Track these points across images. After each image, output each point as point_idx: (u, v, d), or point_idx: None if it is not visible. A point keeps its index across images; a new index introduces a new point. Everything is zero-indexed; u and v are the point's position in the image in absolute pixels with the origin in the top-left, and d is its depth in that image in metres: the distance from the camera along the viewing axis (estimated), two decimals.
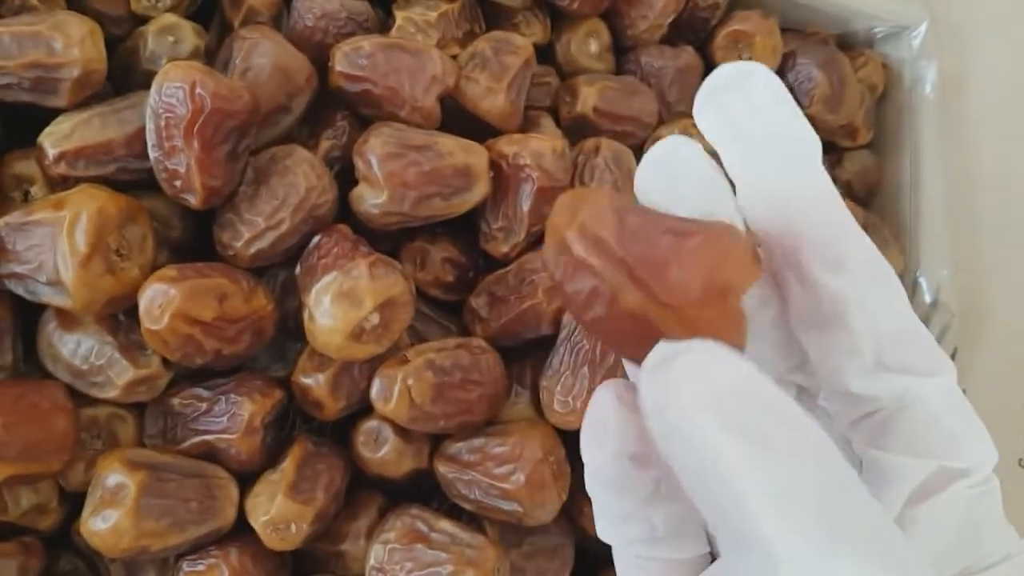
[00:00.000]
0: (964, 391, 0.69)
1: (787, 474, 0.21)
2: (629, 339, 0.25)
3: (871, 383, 0.27)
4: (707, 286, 0.24)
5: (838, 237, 0.27)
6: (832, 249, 0.27)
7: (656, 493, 0.28)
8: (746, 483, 0.21)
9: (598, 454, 0.28)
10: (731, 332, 0.25)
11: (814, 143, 0.28)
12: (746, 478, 0.21)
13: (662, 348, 0.23)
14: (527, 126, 0.57)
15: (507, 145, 0.52)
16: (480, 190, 0.50)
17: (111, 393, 0.46)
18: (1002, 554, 0.27)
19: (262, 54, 0.50)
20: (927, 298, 0.68)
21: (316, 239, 0.48)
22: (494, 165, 0.51)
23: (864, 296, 0.27)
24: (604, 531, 0.31)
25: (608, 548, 0.55)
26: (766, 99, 0.28)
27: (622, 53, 0.65)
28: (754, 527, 0.21)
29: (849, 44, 0.73)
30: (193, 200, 0.46)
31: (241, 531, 0.47)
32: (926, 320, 0.68)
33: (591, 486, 0.30)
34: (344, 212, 0.51)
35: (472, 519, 0.52)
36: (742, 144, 0.27)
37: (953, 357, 0.69)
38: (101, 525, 0.43)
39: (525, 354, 0.53)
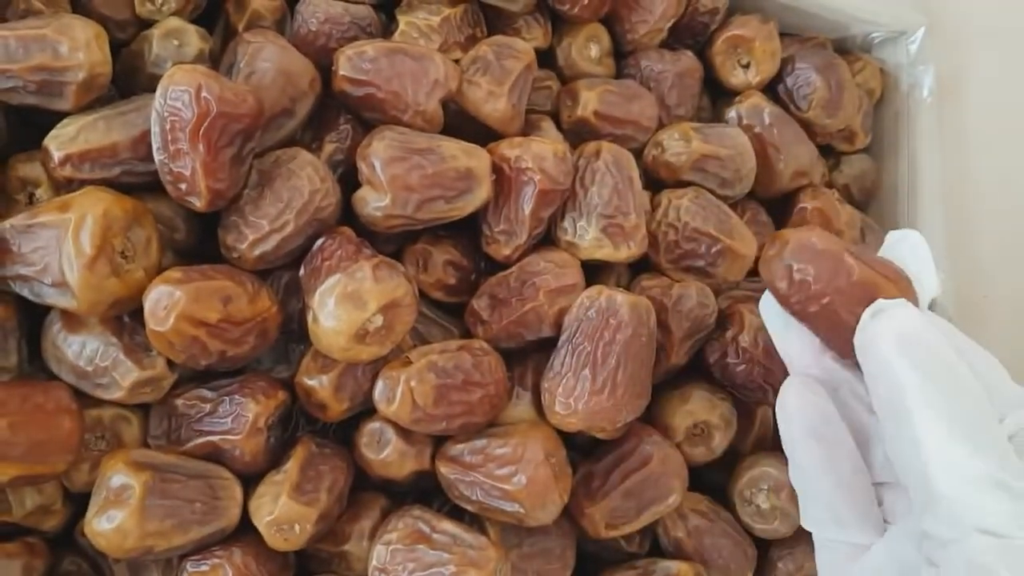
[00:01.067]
0: None
1: (942, 399, 0.33)
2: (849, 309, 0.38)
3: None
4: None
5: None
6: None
7: (842, 482, 0.39)
8: (914, 398, 0.34)
9: (787, 430, 0.41)
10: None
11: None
12: (913, 395, 0.34)
13: (878, 303, 0.36)
14: (528, 130, 0.58)
15: (509, 148, 0.52)
16: (482, 193, 0.51)
17: (116, 394, 0.46)
18: None
19: (266, 58, 0.50)
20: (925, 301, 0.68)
21: (320, 242, 0.49)
22: (496, 168, 0.52)
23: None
24: (803, 516, 0.41)
25: (608, 550, 0.56)
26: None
27: (622, 57, 0.65)
28: (920, 434, 0.33)
29: (847, 49, 0.73)
30: (198, 203, 0.46)
31: (245, 532, 0.48)
32: None
33: (792, 472, 0.41)
34: (347, 215, 0.51)
35: (474, 520, 0.52)
36: None
37: None
38: (106, 525, 0.44)
39: (527, 356, 0.54)
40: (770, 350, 0.56)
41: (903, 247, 0.41)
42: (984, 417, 0.34)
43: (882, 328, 0.36)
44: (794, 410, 0.40)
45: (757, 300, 0.59)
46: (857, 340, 0.37)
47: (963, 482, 0.32)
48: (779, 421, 0.41)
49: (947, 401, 0.34)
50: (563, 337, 0.51)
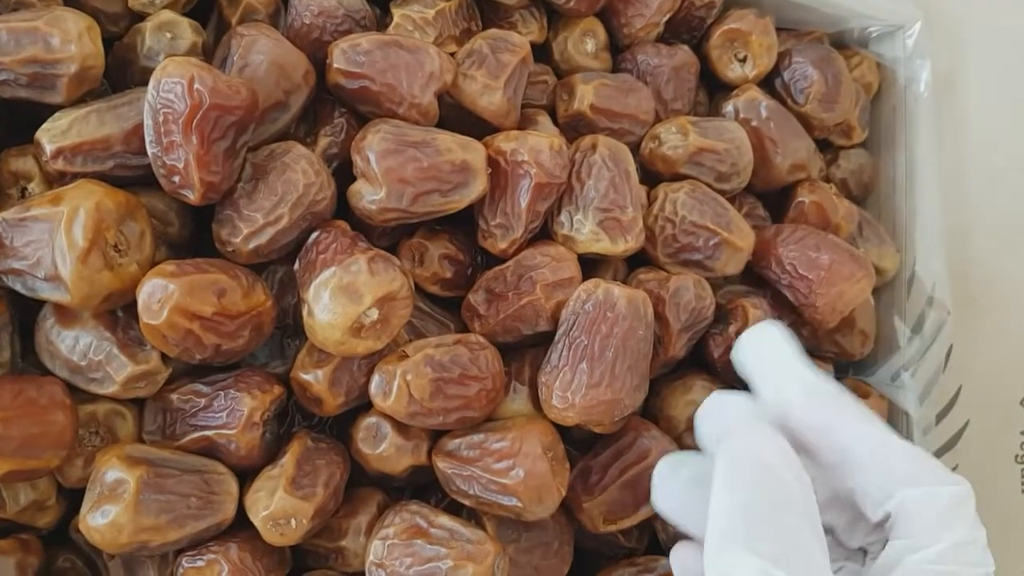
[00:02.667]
0: (960, 388, 0.69)
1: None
2: None
3: (878, 511, 0.38)
4: None
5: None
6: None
7: None
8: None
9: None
10: None
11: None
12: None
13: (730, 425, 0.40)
14: (524, 124, 0.57)
15: (505, 142, 0.52)
16: (478, 186, 0.50)
17: (110, 389, 0.46)
18: None
19: (260, 51, 0.50)
20: (923, 295, 0.68)
21: (315, 235, 0.48)
22: (492, 162, 0.52)
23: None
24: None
25: (606, 545, 0.55)
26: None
27: (618, 52, 0.65)
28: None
29: (844, 43, 0.73)
30: (191, 196, 0.46)
31: (241, 527, 0.47)
32: (921, 317, 0.68)
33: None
34: (343, 209, 0.51)
35: (472, 515, 0.52)
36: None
37: (948, 354, 0.69)
38: (100, 520, 0.43)
39: (524, 350, 0.53)
40: None
41: (762, 347, 0.42)
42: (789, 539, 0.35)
43: (721, 450, 0.38)
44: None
45: (758, 294, 0.59)
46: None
47: None
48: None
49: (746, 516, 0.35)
50: (560, 331, 0.51)
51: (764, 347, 0.42)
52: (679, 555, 0.43)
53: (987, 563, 0.36)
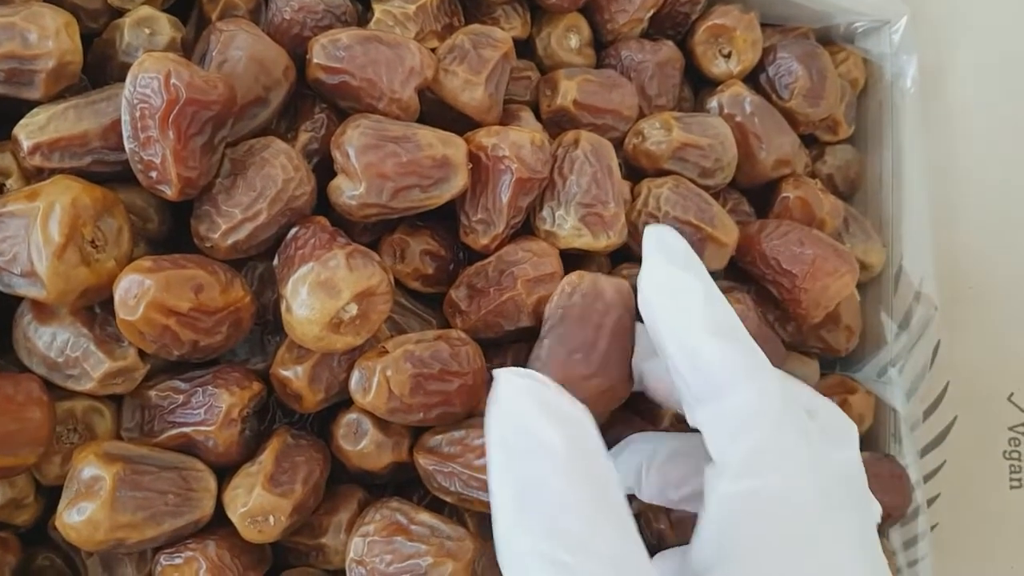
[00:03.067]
0: (948, 384, 0.69)
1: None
2: None
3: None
4: None
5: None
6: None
7: None
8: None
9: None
10: None
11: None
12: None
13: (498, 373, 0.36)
14: (507, 119, 0.57)
15: (486, 137, 0.52)
16: (459, 182, 0.50)
17: (87, 385, 0.46)
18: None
19: (239, 46, 0.50)
20: (910, 291, 0.68)
21: (294, 231, 0.48)
22: (473, 157, 0.51)
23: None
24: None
25: None
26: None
27: (602, 47, 0.65)
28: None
29: (830, 39, 0.73)
30: (169, 191, 0.46)
31: (220, 524, 0.47)
32: (908, 313, 0.68)
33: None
34: (323, 205, 0.51)
35: (453, 512, 0.51)
36: None
37: (935, 350, 0.69)
38: (76, 518, 0.43)
39: (506, 346, 0.53)
40: (757, 339, 0.55)
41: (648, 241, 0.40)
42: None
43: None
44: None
45: (741, 289, 0.59)
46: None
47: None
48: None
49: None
50: (546, 327, 0.51)
51: (651, 240, 0.40)
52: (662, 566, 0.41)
53: (784, 467, 0.34)
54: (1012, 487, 0.70)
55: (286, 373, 0.48)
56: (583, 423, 0.35)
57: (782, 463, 0.34)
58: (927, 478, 0.69)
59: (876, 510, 0.38)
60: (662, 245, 0.39)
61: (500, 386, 0.35)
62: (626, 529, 0.33)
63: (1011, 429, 0.71)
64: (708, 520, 0.35)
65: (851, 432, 0.38)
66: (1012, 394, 0.71)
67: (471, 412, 0.51)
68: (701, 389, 0.36)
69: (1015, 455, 0.70)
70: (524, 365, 0.51)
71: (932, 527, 0.67)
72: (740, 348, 0.36)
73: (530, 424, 0.34)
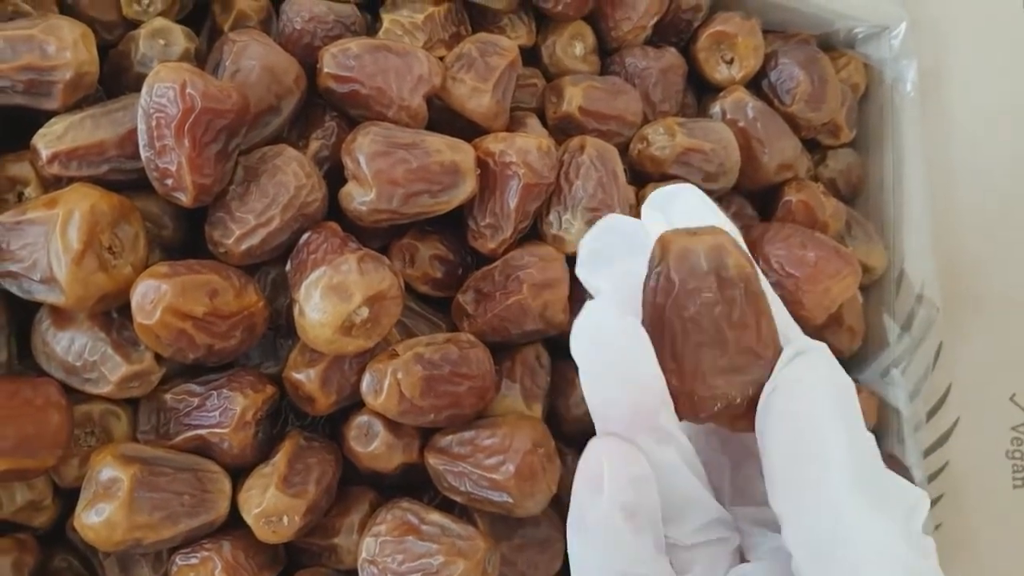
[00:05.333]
0: (950, 385, 0.70)
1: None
2: None
3: None
4: None
5: None
6: None
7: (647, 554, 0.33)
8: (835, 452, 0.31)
9: (595, 500, 0.32)
10: None
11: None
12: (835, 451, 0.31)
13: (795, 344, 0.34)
14: (513, 126, 0.58)
15: (494, 143, 0.53)
16: (467, 187, 0.51)
17: (104, 389, 0.47)
18: None
19: (251, 56, 0.51)
20: (911, 293, 0.69)
21: (306, 236, 0.49)
22: (481, 163, 0.52)
23: None
24: None
25: None
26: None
27: (607, 55, 0.66)
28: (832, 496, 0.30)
29: (830, 45, 0.74)
30: (184, 198, 0.47)
31: (234, 525, 0.48)
32: (911, 315, 0.69)
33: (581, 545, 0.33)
34: (334, 211, 0.52)
35: (464, 512, 0.52)
36: None
37: (938, 352, 0.70)
38: (94, 518, 0.44)
39: (514, 348, 0.54)
40: None
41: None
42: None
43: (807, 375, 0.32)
44: (608, 481, 0.32)
45: None
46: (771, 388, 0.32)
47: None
48: (579, 482, 0.33)
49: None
50: None
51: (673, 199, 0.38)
52: (612, 453, 0.33)
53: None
54: (1016, 487, 0.70)
55: (298, 376, 0.49)
56: None
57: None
58: (931, 479, 0.69)
59: None
60: None
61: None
62: None
63: (1014, 429, 0.71)
64: None
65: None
66: (1014, 394, 0.71)
67: (480, 413, 0.51)
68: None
69: (1018, 455, 0.71)
70: (530, 369, 0.52)
71: (936, 527, 0.68)
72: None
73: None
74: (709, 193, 0.59)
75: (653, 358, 0.32)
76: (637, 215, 0.56)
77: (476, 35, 0.58)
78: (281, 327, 0.52)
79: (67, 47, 0.47)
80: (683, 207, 0.38)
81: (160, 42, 0.52)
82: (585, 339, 0.33)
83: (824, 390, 0.32)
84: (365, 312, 0.46)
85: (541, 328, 0.53)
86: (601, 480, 0.32)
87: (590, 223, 0.53)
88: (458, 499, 0.50)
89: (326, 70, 0.52)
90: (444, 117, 0.56)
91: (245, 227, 0.48)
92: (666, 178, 0.60)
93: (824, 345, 0.34)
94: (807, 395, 0.31)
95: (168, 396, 0.49)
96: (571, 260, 0.53)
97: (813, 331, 0.64)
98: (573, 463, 0.54)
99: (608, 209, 0.53)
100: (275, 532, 0.47)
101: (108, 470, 0.45)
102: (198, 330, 0.45)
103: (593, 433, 0.51)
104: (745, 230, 0.60)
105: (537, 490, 0.49)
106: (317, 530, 0.50)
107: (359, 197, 0.50)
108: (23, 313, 0.49)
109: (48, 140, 0.47)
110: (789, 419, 0.32)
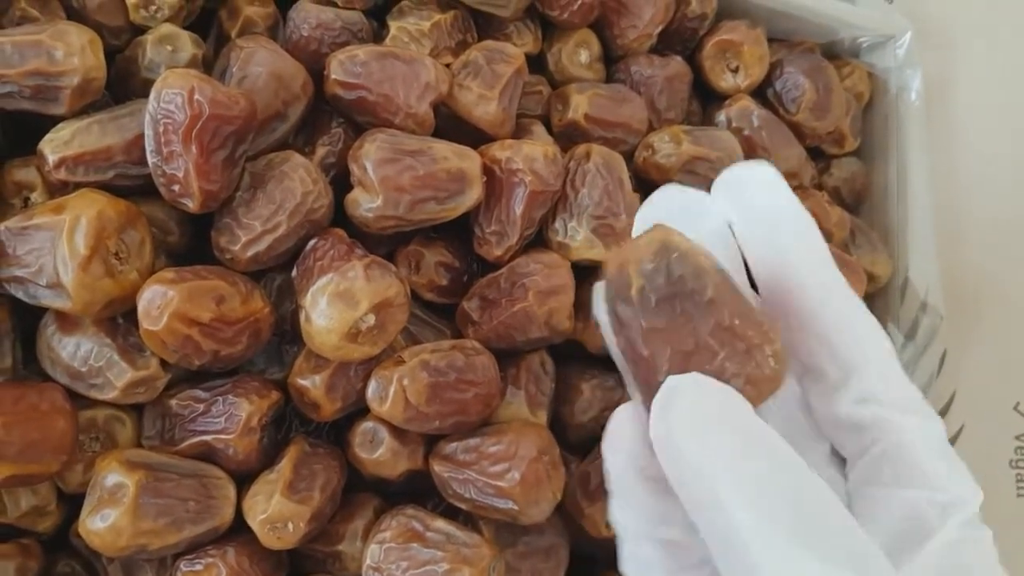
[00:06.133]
0: (954, 393, 0.70)
1: (761, 487, 0.26)
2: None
3: (856, 410, 0.31)
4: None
5: (820, 290, 0.32)
6: (815, 300, 0.32)
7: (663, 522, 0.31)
8: (725, 494, 0.26)
9: (614, 460, 0.32)
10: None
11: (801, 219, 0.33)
12: (725, 490, 0.26)
13: (669, 380, 0.28)
14: (519, 133, 0.58)
15: (500, 150, 0.53)
16: (473, 194, 0.51)
17: (110, 394, 0.47)
18: None
19: (258, 63, 0.51)
20: (916, 301, 0.69)
21: (312, 242, 0.49)
22: (487, 170, 0.52)
23: (846, 338, 0.31)
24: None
25: (605, 550, 0.56)
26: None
27: (612, 62, 0.66)
28: (737, 533, 0.26)
29: (835, 54, 0.74)
30: (191, 204, 0.47)
31: (239, 531, 0.48)
32: (915, 323, 0.69)
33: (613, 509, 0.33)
34: (340, 218, 0.52)
35: (468, 519, 0.52)
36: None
37: (942, 360, 0.70)
38: (99, 524, 0.44)
39: (520, 355, 0.54)
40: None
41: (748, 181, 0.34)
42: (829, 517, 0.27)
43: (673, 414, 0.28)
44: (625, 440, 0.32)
45: None
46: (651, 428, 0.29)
47: None
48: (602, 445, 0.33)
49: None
50: None
51: (754, 186, 0.34)
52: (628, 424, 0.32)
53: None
54: (1019, 495, 0.70)
55: (304, 382, 0.49)
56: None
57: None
58: None
59: None
60: None
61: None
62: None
63: (1017, 438, 0.71)
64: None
65: None
66: (1018, 403, 0.71)
67: (486, 420, 0.51)
68: (895, 392, 0.31)
69: (1022, 464, 0.71)
70: (535, 376, 0.52)
71: None
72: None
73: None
74: None
75: None
76: None
77: (482, 42, 0.58)
78: (287, 333, 0.52)
79: (75, 52, 0.47)
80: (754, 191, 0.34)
81: (167, 48, 0.52)
82: None
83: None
84: (371, 319, 0.46)
85: (546, 335, 0.53)
86: (619, 441, 0.31)
87: (595, 231, 0.53)
88: (463, 506, 0.50)
89: (333, 77, 0.52)
90: (450, 124, 0.56)
91: (252, 233, 0.48)
92: None
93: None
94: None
95: (173, 402, 0.49)
96: (577, 267, 0.54)
97: None
98: (577, 470, 0.54)
99: (613, 217, 0.53)
100: (280, 538, 0.47)
101: (113, 476, 0.45)
102: (204, 336, 0.45)
103: (598, 439, 0.51)
104: None
105: (542, 497, 0.48)
106: (321, 537, 0.50)
107: (365, 203, 0.50)
108: (29, 318, 0.49)
109: (55, 145, 0.47)
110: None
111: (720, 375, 0.28)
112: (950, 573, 0.29)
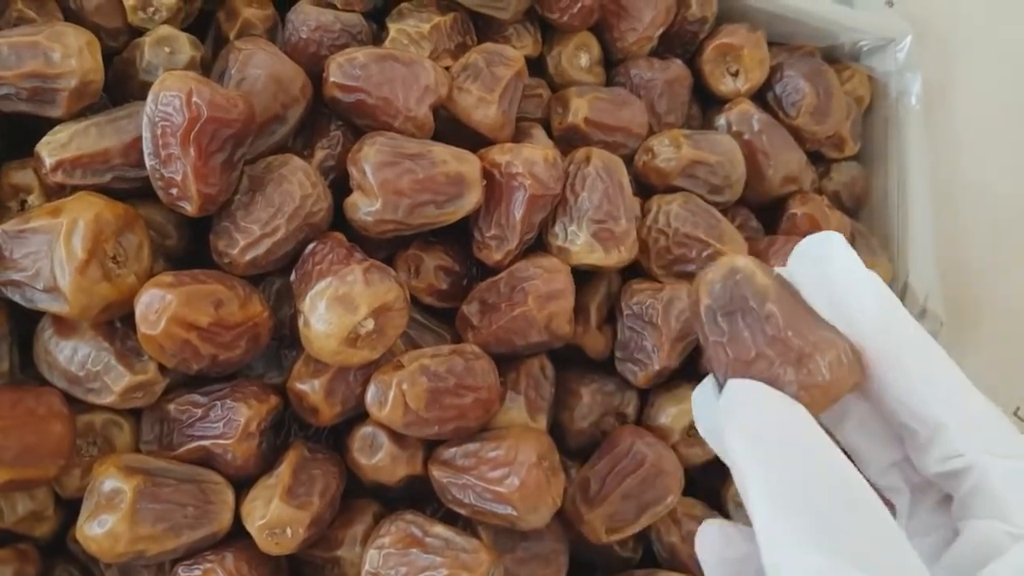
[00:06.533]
0: None
1: (783, 487, 0.28)
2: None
3: (944, 466, 0.32)
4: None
5: (901, 356, 0.33)
6: (899, 363, 0.32)
7: None
8: (752, 492, 0.28)
9: None
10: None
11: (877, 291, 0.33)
12: (753, 488, 0.28)
13: (729, 384, 0.31)
14: (519, 137, 0.58)
15: (500, 154, 0.53)
16: (473, 198, 0.51)
17: (107, 399, 0.46)
18: None
19: (257, 65, 0.50)
20: (915, 306, 0.69)
21: (311, 246, 0.49)
22: (487, 174, 0.52)
23: (926, 397, 0.32)
24: None
25: (604, 556, 0.56)
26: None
27: (612, 66, 0.66)
28: (757, 531, 0.28)
29: (835, 58, 0.74)
30: (189, 208, 0.46)
31: (237, 536, 0.47)
32: None
33: None
34: (339, 221, 0.51)
35: (467, 525, 0.52)
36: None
37: None
38: (97, 530, 0.44)
39: (519, 360, 0.54)
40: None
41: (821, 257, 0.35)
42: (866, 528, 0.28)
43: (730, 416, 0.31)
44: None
45: None
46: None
47: None
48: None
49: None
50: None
51: (825, 256, 0.34)
52: (708, 539, 0.35)
53: None
54: None
55: (303, 387, 0.49)
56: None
57: None
58: None
59: None
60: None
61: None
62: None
63: None
64: None
65: None
66: (1018, 408, 0.71)
67: (485, 426, 0.51)
68: (982, 440, 0.32)
69: None
70: (535, 380, 0.52)
71: None
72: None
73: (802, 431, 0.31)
74: (715, 205, 0.59)
75: None
76: (642, 227, 0.56)
77: (482, 45, 0.58)
78: (285, 337, 0.52)
79: (72, 54, 0.47)
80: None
81: (165, 50, 0.52)
82: None
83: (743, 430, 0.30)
84: (370, 324, 0.46)
85: (546, 340, 0.52)
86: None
87: (595, 235, 0.53)
88: (462, 511, 0.50)
89: (332, 79, 0.52)
90: (450, 127, 0.56)
91: (250, 237, 0.48)
92: (671, 189, 0.59)
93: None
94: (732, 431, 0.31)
95: (171, 406, 0.49)
96: (577, 272, 0.53)
97: None
98: (577, 476, 0.54)
99: (613, 221, 0.53)
100: (278, 544, 0.46)
101: (111, 481, 0.44)
102: (202, 340, 0.45)
103: (597, 444, 0.51)
104: (751, 243, 0.60)
105: (541, 503, 0.48)
106: (320, 542, 0.50)
107: (364, 207, 0.49)
108: (26, 322, 0.48)
109: (52, 148, 0.47)
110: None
111: (774, 382, 0.31)
112: None
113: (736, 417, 0.31)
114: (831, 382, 0.31)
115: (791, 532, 0.27)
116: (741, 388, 0.31)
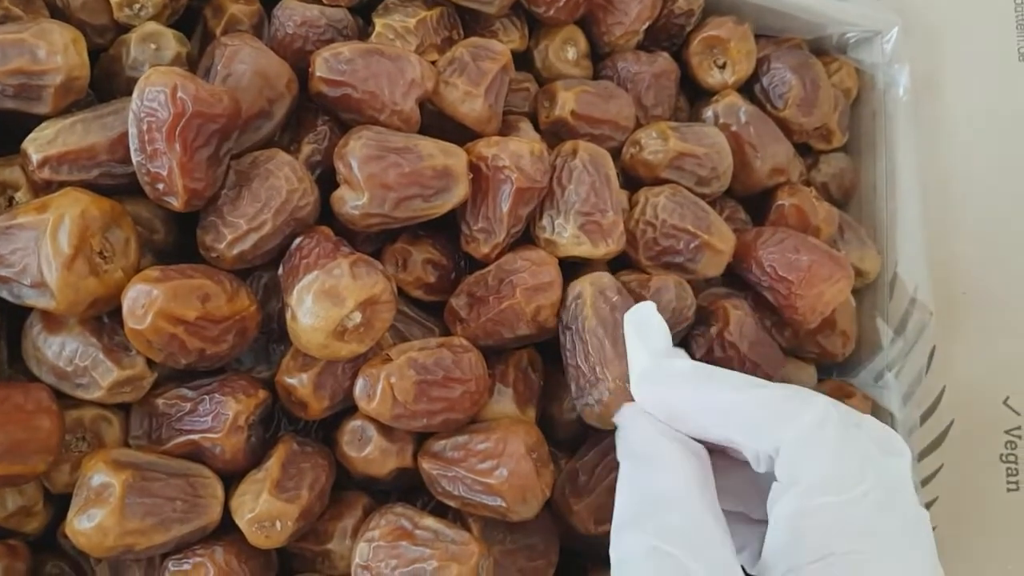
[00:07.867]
0: (944, 388, 0.70)
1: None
2: None
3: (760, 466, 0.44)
4: None
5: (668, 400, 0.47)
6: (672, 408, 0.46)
7: None
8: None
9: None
10: None
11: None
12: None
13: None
14: (506, 130, 0.58)
15: (486, 147, 0.53)
16: (460, 191, 0.51)
17: (96, 394, 0.47)
18: None
19: (243, 60, 0.50)
20: (905, 297, 0.69)
21: (298, 240, 0.49)
22: (473, 167, 0.52)
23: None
24: None
25: (594, 548, 0.56)
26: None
27: (599, 59, 0.66)
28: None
29: (823, 50, 0.74)
30: (175, 202, 0.46)
31: (227, 530, 0.48)
32: (904, 319, 0.69)
33: None
34: (327, 216, 0.52)
35: (457, 517, 0.52)
36: None
37: (931, 355, 0.70)
38: (86, 524, 0.44)
39: (508, 353, 0.54)
40: (756, 344, 0.56)
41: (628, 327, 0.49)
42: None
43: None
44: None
45: (739, 296, 0.60)
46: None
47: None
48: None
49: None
50: (568, 335, 0.51)
51: (630, 327, 0.48)
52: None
53: (849, 480, 0.38)
54: (1009, 490, 0.70)
55: (291, 381, 0.49)
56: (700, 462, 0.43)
57: (846, 478, 0.38)
58: (925, 482, 0.69)
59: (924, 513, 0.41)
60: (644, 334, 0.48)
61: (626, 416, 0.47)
62: (724, 533, 0.40)
63: (1007, 432, 0.71)
64: (779, 531, 0.40)
65: (897, 441, 0.42)
66: (1008, 397, 0.72)
67: (474, 418, 0.51)
68: (764, 423, 0.41)
69: (1011, 458, 0.71)
70: (523, 373, 0.52)
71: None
72: (782, 388, 0.43)
73: (648, 445, 0.44)
74: (703, 197, 0.60)
75: None
76: (630, 219, 0.57)
77: (468, 39, 0.58)
78: (273, 331, 0.52)
79: (58, 51, 0.47)
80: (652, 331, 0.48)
81: (151, 46, 0.52)
82: None
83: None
84: (358, 317, 0.46)
85: (534, 332, 0.52)
86: None
87: (583, 227, 0.53)
88: (452, 504, 0.50)
89: (318, 74, 0.52)
90: (436, 121, 0.56)
91: (237, 231, 0.48)
92: (659, 182, 0.60)
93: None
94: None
95: (160, 401, 0.49)
96: (564, 264, 0.54)
97: (806, 335, 0.64)
98: (566, 467, 0.54)
99: (600, 214, 0.53)
100: (268, 537, 0.47)
101: (100, 476, 0.44)
102: (190, 335, 0.45)
103: (586, 437, 0.53)
104: (739, 234, 0.60)
105: (531, 495, 0.48)
106: (310, 535, 0.50)
107: (351, 201, 0.50)
108: (14, 318, 0.48)
109: (39, 144, 0.47)
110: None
111: None
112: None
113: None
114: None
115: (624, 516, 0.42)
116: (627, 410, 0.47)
